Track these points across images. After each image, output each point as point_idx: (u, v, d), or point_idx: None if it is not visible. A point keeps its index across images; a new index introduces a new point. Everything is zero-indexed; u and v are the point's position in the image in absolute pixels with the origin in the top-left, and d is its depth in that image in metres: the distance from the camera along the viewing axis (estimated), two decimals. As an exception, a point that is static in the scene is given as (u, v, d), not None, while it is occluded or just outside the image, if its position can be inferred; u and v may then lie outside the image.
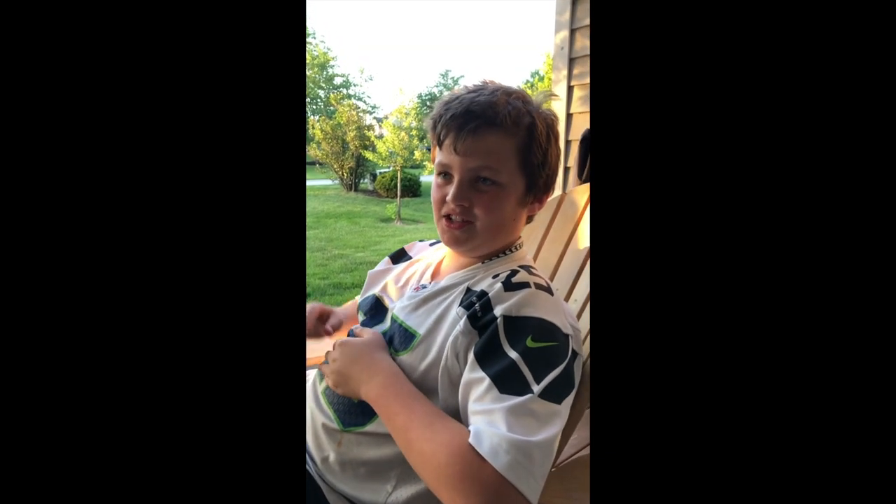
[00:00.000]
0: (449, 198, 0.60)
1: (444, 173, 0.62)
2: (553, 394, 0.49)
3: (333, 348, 0.62)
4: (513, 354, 0.51)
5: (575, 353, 0.55)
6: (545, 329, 0.53)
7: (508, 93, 0.60)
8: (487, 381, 0.50)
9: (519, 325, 0.53)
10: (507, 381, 0.49)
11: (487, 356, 0.52)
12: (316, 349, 0.95)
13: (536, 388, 0.48)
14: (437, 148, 0.62)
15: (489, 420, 0.47)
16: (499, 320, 0.53)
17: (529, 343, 0.51)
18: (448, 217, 0.61)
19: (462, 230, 0.61)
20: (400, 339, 0.61)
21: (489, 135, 0.58)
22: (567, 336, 0.54)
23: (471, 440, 0.46)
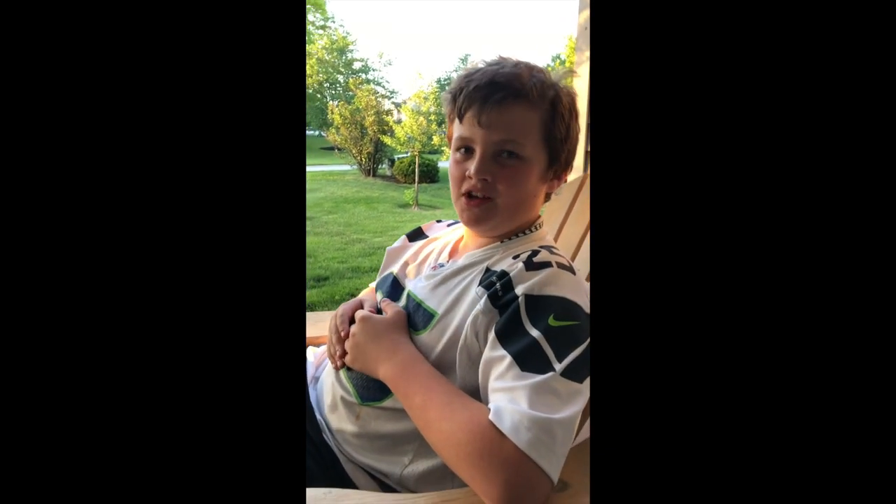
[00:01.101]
0: (471, 171, 0.58)
1: (465, 147, 0.60)
2: (575, 372, 0.48)
3: (354, 323, 0.63)
4: (535, 333, 0.50)
5: None
6: (567, 308, 0.52)
7: (530, 67, 0.60)
8: (509, 359, 0.49)
9: (541, 304, 0.52)
10: (528, 360, 0.49)
11: (509, 335, 0.51)
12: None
13: (558, 367, 0.48)
14: (457, 121, 0.60)
15: (510, 398, 0.47)
16: (520, 299, 0.53)
17: (552, 322, 0.51)
18: (468, 194, 0.60)
19: (482, 207, 0.60)
20: (418, 318, 0.61)
21: (514, 107, 0.57)
22: (589, 316, 0.54)
23: (491, 417, 0.46)
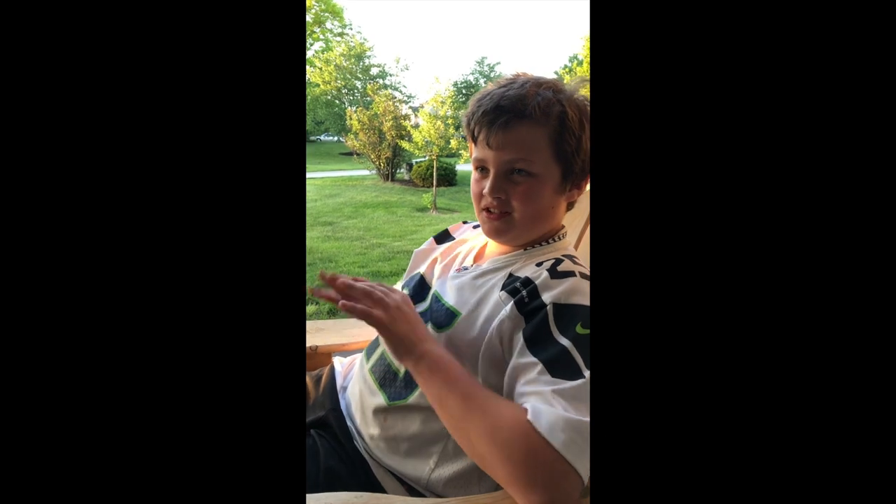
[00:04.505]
0: (485, 191, 0.62)
1: (481, 168, 0.64)
2: None
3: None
4: (564, 341, 0.52)
5: None
6: None
7: (539, 84, 0.62)
8: (540, 365, 0.52)
9: (568, 313, 0.54)
10: (559, 366, 0.51)
11: (538, 342, 0.54)
12: (362, 334, 0.99)
13: (587, 374, 0.50)
14: (473, 144, 0.64)
15: (545, 400, 0.49)
16: (548, 307, 0.55)
17: (579, 330, 0.53)
18: (487, 209, 0.64)
19: (501, 221, 0.63)
20: (441, 317, 0.64)
21: (519, 127, 0.60)
22: None
23: (530, 418, 0.47)
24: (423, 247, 0.84)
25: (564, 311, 0.54)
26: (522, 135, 0.60)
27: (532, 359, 0.52)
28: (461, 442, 0.52)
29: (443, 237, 0.85)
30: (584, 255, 0.91)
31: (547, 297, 0.55)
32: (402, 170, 11.00)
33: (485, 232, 0.67)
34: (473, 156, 0.65)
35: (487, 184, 0.62)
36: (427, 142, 7.90)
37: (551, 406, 0.48)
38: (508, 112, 0.59)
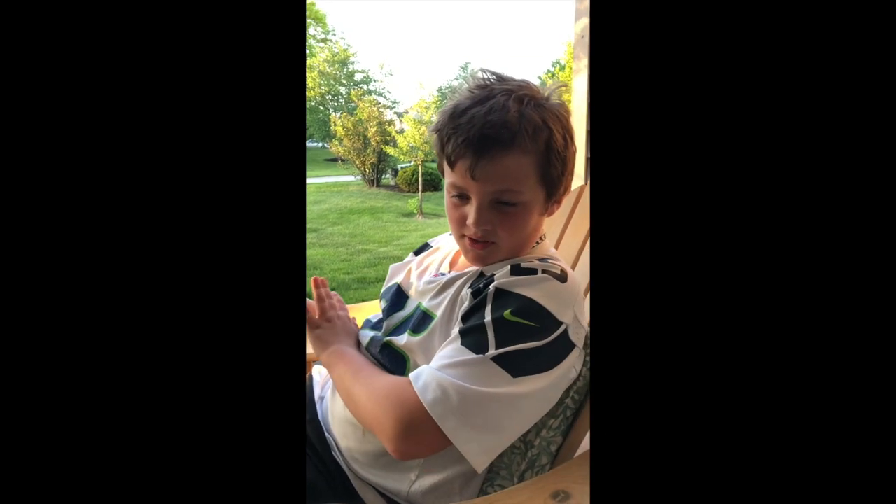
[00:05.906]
0: (469, 222, 0.58)
1: (460, 195, 0.59)
2: (508, 364, 0.51)
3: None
4: (486, 318, 0.54)
5: (571, 345, 0.55)
6: (529, 309, 0.54)
7: (520, 100, 0.56)
8: (456, 332, 0.55)
9: (505, 298, 0.55)
10: (470, 337, 0.53)
11: (469, 316, 0.56)
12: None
13: (491, 352, 0.51)
14: (448, 165, 0.59)
15: (434, 363, 0.54)
16: (490, 290, 0.56)
17: (507, 315, 0.53)
18: (471, 238, 0.60)
19: (486, 249, 0.60)
20: (419, 322, 0.63)
21: (507, 157, 0.55)
22: (559, 324, 0.54)
23: (410, 376, 0.53)
24: (401, 262, 0.83)
25: (502, 296, 0.55)
26: (510, 164, 0.55)
27: (456, 329, 0.55)
28: (350, 407, 0.59)
29: (421, 250, 0.84)
30: (563, 254, 0.91)
31: (494, 284, 0.56)
32: (387, 175, 10.98)
33: (467, 259, 0.64)
34: (450, 180, 0.59)
35: (470, 214, 0.57)
36: (412, 147, 7.90)
37: (433, 366, 0.52)
38: (495, 142, 0.54)
